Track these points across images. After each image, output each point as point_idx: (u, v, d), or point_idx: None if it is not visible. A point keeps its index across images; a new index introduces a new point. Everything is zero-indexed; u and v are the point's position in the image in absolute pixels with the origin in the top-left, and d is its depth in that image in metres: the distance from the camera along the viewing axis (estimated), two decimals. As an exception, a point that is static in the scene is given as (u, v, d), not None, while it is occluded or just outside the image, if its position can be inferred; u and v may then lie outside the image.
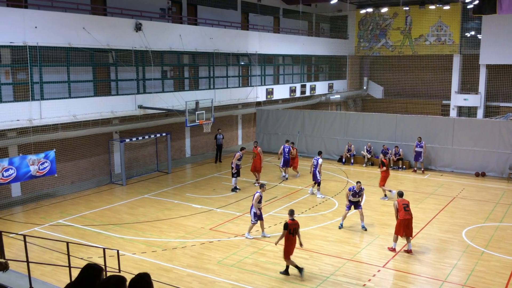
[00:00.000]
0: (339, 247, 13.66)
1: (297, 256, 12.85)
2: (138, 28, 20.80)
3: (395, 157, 23.89)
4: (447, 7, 34.79)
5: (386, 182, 18.68)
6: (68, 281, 9.94)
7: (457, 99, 35.94)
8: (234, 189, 19.67)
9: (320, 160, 18.89)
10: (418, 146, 23.01)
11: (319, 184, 18.83)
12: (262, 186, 14.74)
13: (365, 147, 24.76)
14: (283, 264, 12.20)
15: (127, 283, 4.28)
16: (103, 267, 9.70)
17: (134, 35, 20.80)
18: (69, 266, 10.42)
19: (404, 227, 13.04)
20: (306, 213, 16.77)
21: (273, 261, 12.61)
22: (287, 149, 21.57)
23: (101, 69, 20.82)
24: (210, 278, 11.65)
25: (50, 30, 17.65)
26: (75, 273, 10.12)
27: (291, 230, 11.55)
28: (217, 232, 14.96)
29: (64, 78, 18.75)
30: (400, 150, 23.87)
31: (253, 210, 14.14)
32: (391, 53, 38.54)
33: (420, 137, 23.05)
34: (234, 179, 19.71)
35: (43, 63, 17.73)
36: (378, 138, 25.03)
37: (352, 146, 25.13)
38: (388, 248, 13.48)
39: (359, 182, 15.02)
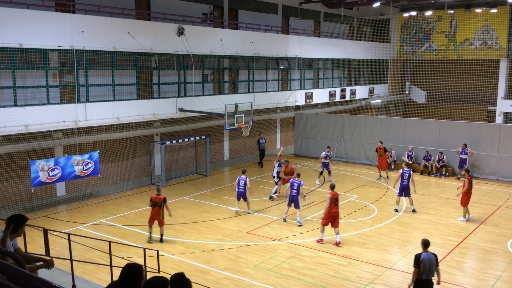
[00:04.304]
0: (378, 255, 13.42)
1: (335, 263, 12.74)
2: (180, 32, 21.12)
3: (439, 163, 23.29)
4: (494, 10, 33.64)
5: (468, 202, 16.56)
6: (110, 280, 10.18)
7: (504, 105, 34.73)
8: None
9: None
10: (463, 153, 22.35)
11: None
12: (244, 171, 17.42)
13: (406, 152, 24.24)
14: (320, 270, 12.29)
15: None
16: (143, 266, 9.90)
17: (176, 39, 21.15)
18: (111, 265, 10.63)
19: (332, 219, 14.12)
20: (345, 219, 16.56)
21: (310, 267, 12.52)
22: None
23: (144, 73, 21.29)
24: (247, 282, 11.68)
25: (96, 34, 18.16)
26: (116, 272, 10.36)
27: (152, 203, 14.23)
28: (254, 235, 14.99)
29: (109, 81, 19.25)
30: (444, 156, 23.26)
31: (247, 192, 17.02)
32: (434, 57, 37.63)
33: (465, 144, 22.38)
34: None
35: (89, 66, 18.25)
36: (420, 144, 24.45)
37: (393, 151, 24.65)
38: (316, 240, 14.30)
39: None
